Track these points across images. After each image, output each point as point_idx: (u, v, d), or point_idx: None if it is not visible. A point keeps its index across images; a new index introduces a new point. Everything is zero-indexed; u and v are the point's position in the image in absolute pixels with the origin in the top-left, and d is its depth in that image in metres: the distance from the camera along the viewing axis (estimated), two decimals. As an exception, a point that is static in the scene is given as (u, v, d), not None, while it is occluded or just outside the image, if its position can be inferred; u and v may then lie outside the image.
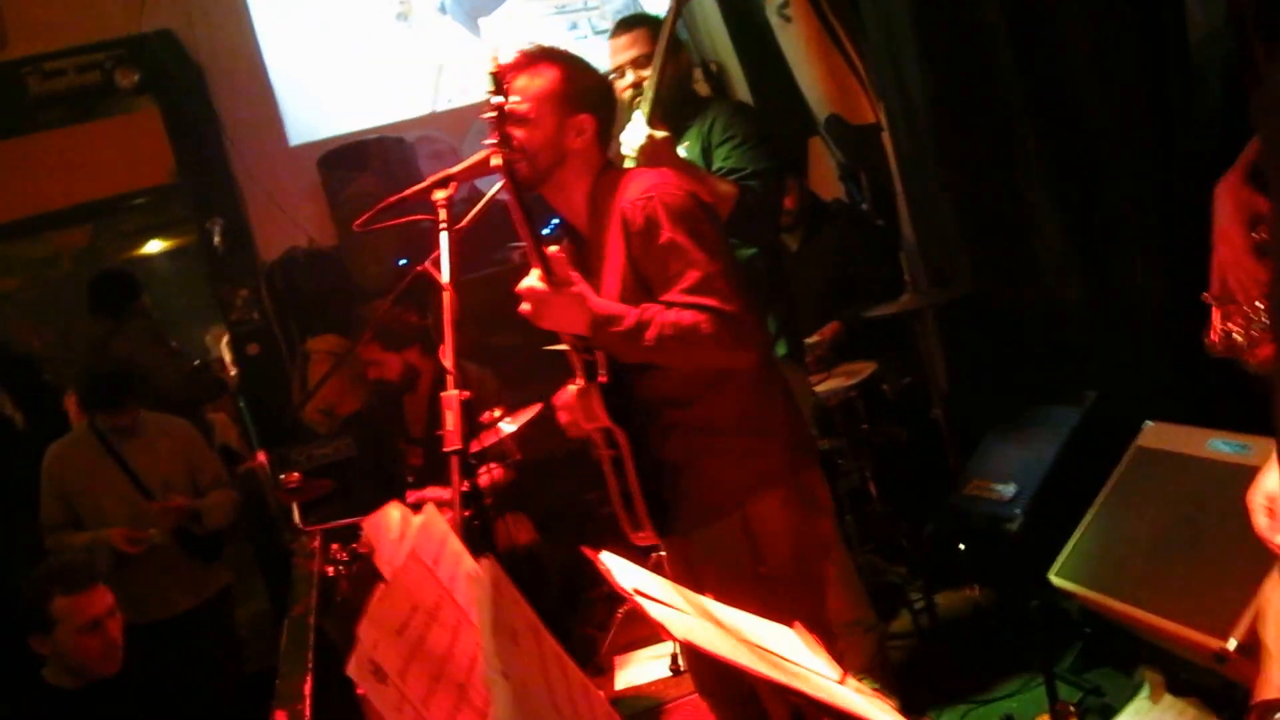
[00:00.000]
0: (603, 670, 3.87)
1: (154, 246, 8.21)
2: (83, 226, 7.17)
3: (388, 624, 0.82)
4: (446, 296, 1.97)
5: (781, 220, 4.22)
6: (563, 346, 3.36)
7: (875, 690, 3.09)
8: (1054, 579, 2.75)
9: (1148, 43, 2.73)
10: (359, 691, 0.85)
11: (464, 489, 2.42)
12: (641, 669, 3.77)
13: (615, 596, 3.99)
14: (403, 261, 4.60)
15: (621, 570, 1.38)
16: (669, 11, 2.75)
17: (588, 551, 1.50)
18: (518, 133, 2.06)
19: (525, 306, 2.02)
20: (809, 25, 4.36)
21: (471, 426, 3.46)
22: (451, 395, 1.84)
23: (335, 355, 4.80)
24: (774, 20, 4.57)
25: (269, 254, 5.40)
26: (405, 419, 4.09)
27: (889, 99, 4.14)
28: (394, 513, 1.10)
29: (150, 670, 2.92)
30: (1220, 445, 2.44)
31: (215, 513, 3.84)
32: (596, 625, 4.22)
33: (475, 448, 3.42)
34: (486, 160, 2.11)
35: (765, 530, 2.10)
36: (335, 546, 3.43)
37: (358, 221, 2.24)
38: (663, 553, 2.55)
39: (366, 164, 4.78)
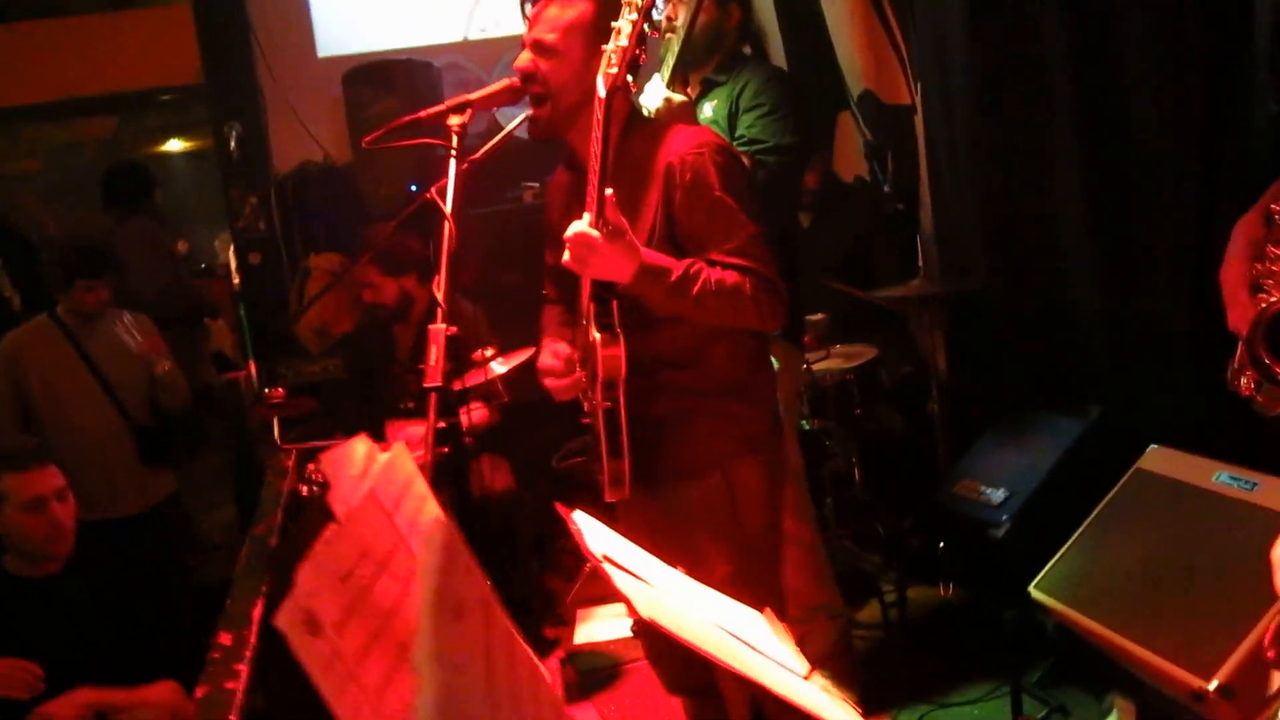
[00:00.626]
0: (564, 622, 3.85)
1: (175, 145, 8.16)
2: (109, 117, 7.16)
3: (331, 569, 0.75)
4: (447, 226, 1.89)
5: (802, 198, 4.13)
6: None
7: (831, 680, 3.10)
8: (1034, 592, 2.69)
9: (1208, 59, 2.61)
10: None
11: (441, 427, 2.38)
12: (604, 625, 3.75)
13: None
14: (413, 187, 4.52)
15: (593, 533, 1.32)
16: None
17: (560, 508, 1.44)
18: (543, 65, 1.99)
19: (566, 256, 1.95)
20: (855, -8, 4.23)
21: (461, 364, 3.43)
22: (439, 329, 1.77)
23: (335, 274, 4.73)
24: (821, -16, 4.44)
25: (283, 165, 5.32)
26: (395, 346, 4.02)
27: (927, 81, 4.03)
28: (359, 447, 1.03)
29: (101, 567, 2.89)
30: (1227, 479, 2.37)
31: (172, 390, 3.82)
32: (564, 575, 4.20)
33: (461, 385, 3.37)
34: (506, 90, 2.04)
35: (747, 491, 2.14)
36: (311, 466, 3.38)
37: (367, 138, 2.16)
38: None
39: (391, 85, 4.67)
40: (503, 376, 3.38)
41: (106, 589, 2.80)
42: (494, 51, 5.32)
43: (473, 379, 3.34)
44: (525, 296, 4.27)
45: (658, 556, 2.18)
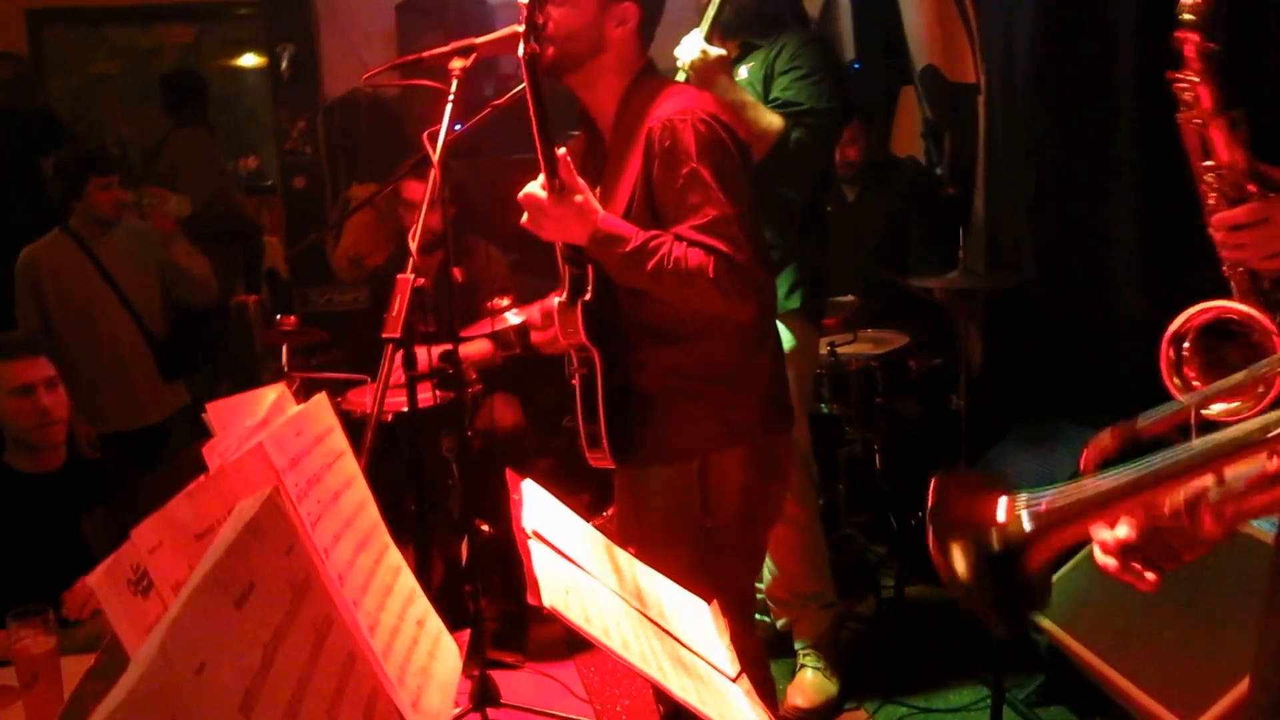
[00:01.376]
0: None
1: (250, 60, 8.17)
2: (188, 25, 7.19)
3: (185, 526, 0.69)
4: (433, 173, 1.82)
5: (841, 170, 4.01)
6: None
7: (817, 670, 3.04)
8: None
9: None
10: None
11: (448, 371, 2.32)
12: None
13: (602, 502, 3.96)
14: (458, 126, 4.45)
15: (535, 506, 1.26)
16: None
17: (510, 476, 1.39)
18: (554, 11, 1.90)
19: (524, 218, 1.90)
20: (932, -38, 4.08)
21: (475, 311, 3.38)
22: (406, 278, 1.70)
23: (373, 205, 4.70)
24: (895, -47, 4.28)
25: (333, 91, 5.29)
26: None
27: (994, 62, 3.86)
28: (269, 395, 0.97)
29: (111, 473, 2.93)
30: (1244, 515, 2.25)
31: (188, 281, 3.82)
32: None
33: (475, 332, 3.33)
34: (514, 36, 1.95)
35: (720, 485, 2.05)
36: (323, 395, 3.38)
37: (368, 74, 2.10)
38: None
39: (443, 19, 4.60)
40: (517, 327, 3.32)
41: (106, 491, 2.82)
42: (554, -6, 5.21)
43: (483, 327, 3.28)
44: (548, 245, 4.25)
45: (625, 532, 2.19)
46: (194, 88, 5.18)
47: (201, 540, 0.73)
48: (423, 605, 1.07)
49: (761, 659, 2.37)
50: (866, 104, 4.28)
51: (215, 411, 0.93)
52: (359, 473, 1.06)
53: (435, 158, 1.83)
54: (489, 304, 3.30)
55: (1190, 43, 1.53)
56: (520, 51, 1.77)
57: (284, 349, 3.33)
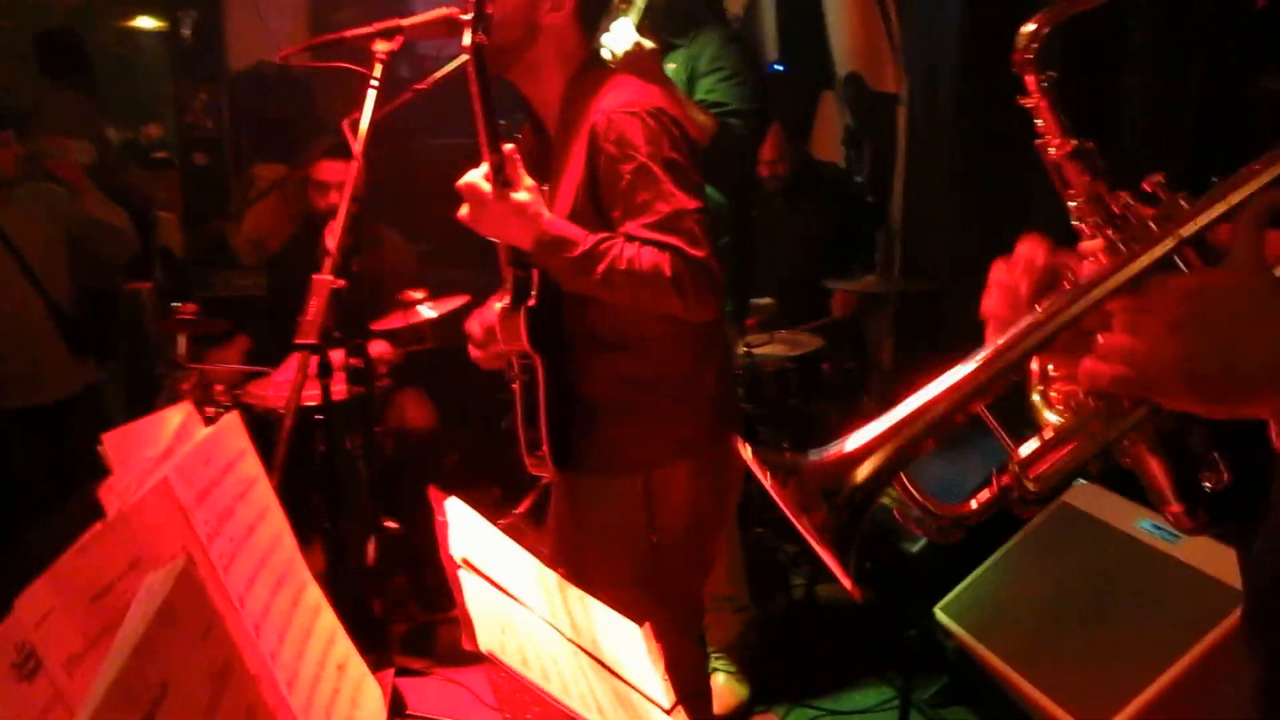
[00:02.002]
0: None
1: (147, 23, 7.77)
2: (82, -18, 6.80)
3: (79, 587, 0.61)
4: (353, 166, 1.73)
5: (763, 170, 4.01)
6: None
7: (729, 674, 3.04)
8: (938, 613, 2.64)
9: (1203, 83, 2.50)
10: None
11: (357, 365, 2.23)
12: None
13: (509, 499, 3.88)
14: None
15: (462, 529, 1.20)
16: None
17: (433, 494, 1.32)
18: None
19: (464, 210, 1.79)
20: (858, -29, 4.11)
21: (388, 303, 3.28)
22: (324, 279, 1.61)
23: (278, 184, 4.51)
24: (822, -41, 4.30)
25: (238, 63, 5.05)
26: (318, 261, 3.81)
27: (916, 74, 3.91)
28: (173, 419, 0.88)
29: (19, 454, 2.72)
30: (1149, 527, 2.31)
31: (111, 230, 3.56)
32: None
33: (386, 326, 3.22)
34: (443, 20, 1.86)
35: (667, 497, 1.96)
36: (219, 388, 3.22)
37: (284, 52, 2.00)
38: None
39: (362, -7, 4.43)
40: (431, 321, 3.23)
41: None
42: (480, -23, 5.08)
43: (396, 321, 3.18)
44: (471, 236, 4.16)
45: (563, 540, 2.14)
46: (70, 47, 4.81)
47: (99, 603, 0.64)
48: (344, 647, 1.00)
49: (703, 669, 2.34)
50: (788, 107, 4.29)
51: (112, 443, 0.83)
52: (274, 500, 0.98)
53: (357, 148, 1.73)
54: (401, 296, 3.20)
55: (1028, 73, 1.52)
56: (466, 40, 1.66)
57: (183, 339, 3.15)
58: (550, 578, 1.30)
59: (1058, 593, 2.40)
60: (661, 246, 1.75)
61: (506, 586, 1.09)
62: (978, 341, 3.39)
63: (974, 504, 0.92)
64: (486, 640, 0.91)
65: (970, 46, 3.43)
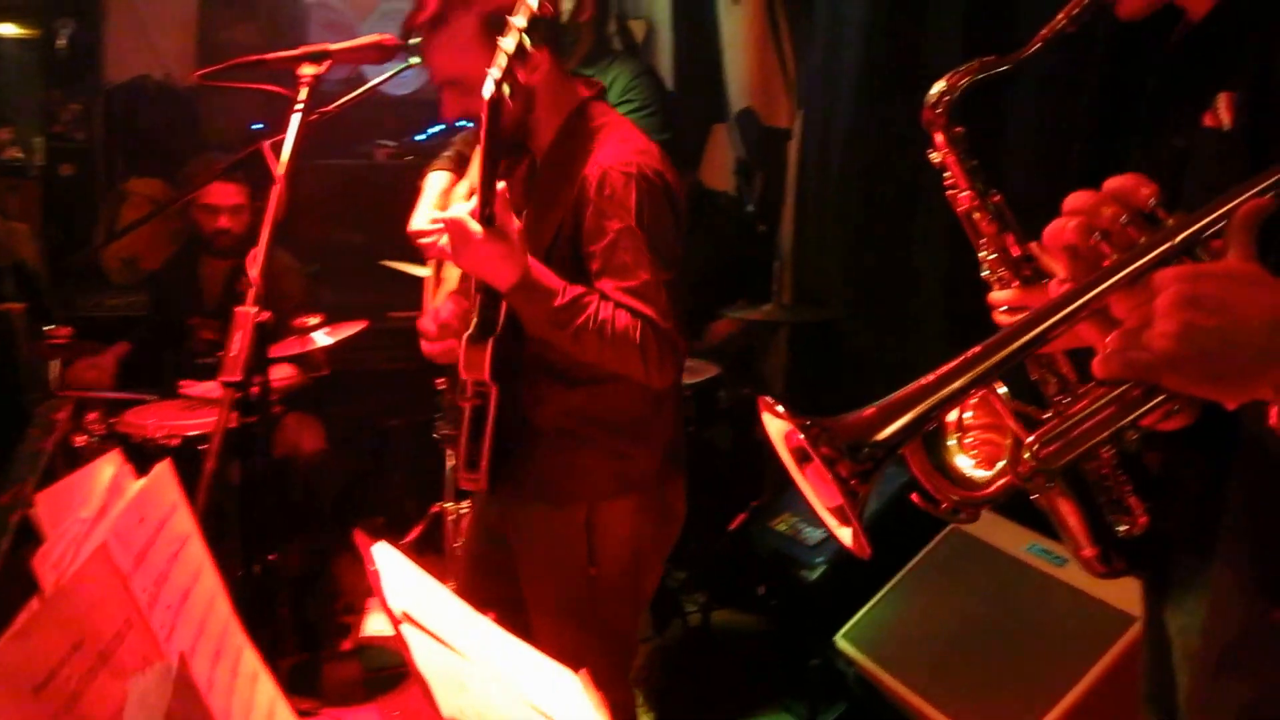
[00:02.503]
0: (353, 609, 3.65)
1: (7, 30, 7.36)
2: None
3: (18, 677, 0.56)
4: (276, 189, 1.68)
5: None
6: (405, 266, 3.11)
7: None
8: (839, 641, 2.68)
9: (1090, 131, 2.63)
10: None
11: (230, 425, 2.15)
12: (397, 619, 3.55)
13: (394, 528, 3.79)
14: (258, 126, 4.18)
15: (396, 579, 1.16)
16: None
17: (360, 539, 1.27)
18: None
19: (443, 240, 1.82)
20: (756, 12, 4.20)
21: (281, 328, 3.17)
22: (248, 312, 1.55)
23: (156, 202, 4.33)
24: (723, -6, 4.39)
25: (117, 75, 4.83)
26: (200, 285, 3.68)
27: (811, 111, 4.01)
28: (104, 471, 0.82)
29: None
30: (1038, 551, 2.41)
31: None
32: (361, 557, 3.96)
33: (280, 353, 3.12)
34: (375, 46, 1.85)
35: (608, 532, 1.98)
36: (93, 416, 3.06)
37: (201, 71, 1.93)
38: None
39: (252, 12, 4.31)
40: (326, 349, 3.14)
41: None
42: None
43: (293, 347, 3.08)
44: (358, 259, 4.08)
45: (491, 570, 2.08)
46: None
47: (41, 694, 0.59)
48: (285, 718, 0.95)
49: (633, 711, 2.35)
50: (680, 136, 4.35)
51: (44, 504, 0.77)
52: (206, 558, 0.93)
53: (279, 171, 1.68)
54: (295, 322, 3.10)
55: (936, 130, 1.58)
56: (487, 91, 1.67)
57: (57, 365, 2.98)
58: (485, 624, 1.27)
59: (955, 618, 2.47)
60: (635, 313, 1.79)
61: (451, 641, 1.06)
62: (870, 370, 3.50)
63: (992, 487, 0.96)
64: (449, 708, 0.87)
65: (865, 85, 3.54)
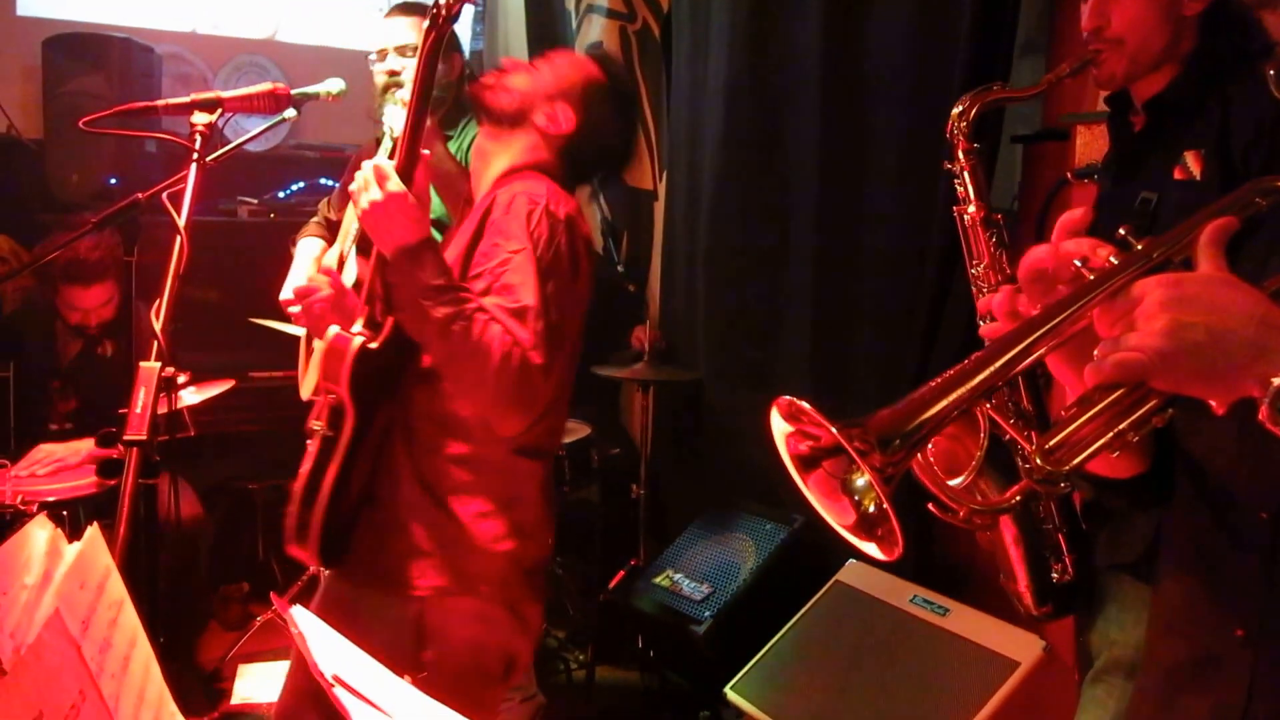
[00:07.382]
0: (221, 677, 3.47)
1: None
2: None
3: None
4: (179, 241, 1.63)
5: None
6: (271, 323, 3.01)
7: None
8: (729, 693, 2.70)
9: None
10: None
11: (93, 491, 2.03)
12: (265, 684, 3.39)
13: (257, 596, 3.62)
14: (113, 181, 4.00)
15: (321, 642, 1.12)
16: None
17: (277, 601, 1.22)
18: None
19: (358, 184, 1.71)
20: (615, 78, 4.30)
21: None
22: (152, 369, 1.48)
23: (2, 259, 4.06)
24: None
25: (-46, 127, 4.54)
26: (55, 347, 3.47)
27: (676, 173, 4.12)
28: (39, 535, 0.77)
29: None
30: (920, 602, 2.49)
31: None
32: (230, 623, 3.81)
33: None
34: (269, 95, 1.82)
35: (441, 635, 1.76)
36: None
37: (86, 119, 1.86)
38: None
39: (102, 62, 4.11)
40: (191, 408, 3.00)
41: None
42: (224, 51, 4.90)
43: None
44: (217, 317, 3.93)
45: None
46: None
47: None
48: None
49: None
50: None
51: None
52: (139, 623, 0.88)
53: (181, 221, 1.62)
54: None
55: (958, 143, 1.75)
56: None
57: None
58: (403, 685, 1.23)
59: (842, 668, 2.53)
60: (507, 333, 1.67)
61: (382, 704, 1.03)
62: (735, 429, 3.58)
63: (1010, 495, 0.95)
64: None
65: (728, 149, 3.65)
